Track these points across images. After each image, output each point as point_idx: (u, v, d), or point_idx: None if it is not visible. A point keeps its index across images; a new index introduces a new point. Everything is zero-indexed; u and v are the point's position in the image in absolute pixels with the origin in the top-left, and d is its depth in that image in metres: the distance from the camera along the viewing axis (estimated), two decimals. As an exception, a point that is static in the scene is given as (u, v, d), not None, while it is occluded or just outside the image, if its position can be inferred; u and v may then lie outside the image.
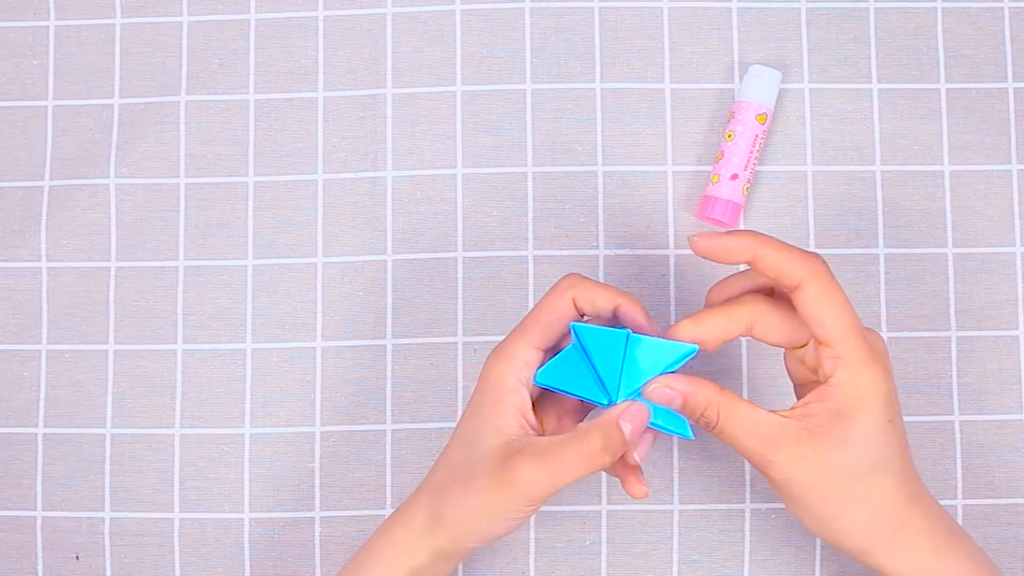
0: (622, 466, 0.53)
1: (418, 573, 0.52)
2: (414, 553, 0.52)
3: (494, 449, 0.50)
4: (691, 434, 0.51)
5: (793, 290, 0.49)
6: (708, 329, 0.51)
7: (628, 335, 0.51)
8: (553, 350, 0.53)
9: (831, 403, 0.49)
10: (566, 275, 0.53)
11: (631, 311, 0.52)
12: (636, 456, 0.52)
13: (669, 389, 0.50)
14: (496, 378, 0.51)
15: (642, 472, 0.53)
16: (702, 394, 0.50)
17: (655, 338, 0.51)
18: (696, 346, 0.50)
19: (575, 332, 0.51)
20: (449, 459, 0.53)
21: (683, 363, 0.51)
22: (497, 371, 0.52)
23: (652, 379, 0.50)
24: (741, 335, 0.51)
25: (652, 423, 0.51)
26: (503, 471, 0.50)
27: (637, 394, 0.51)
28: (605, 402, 0.51)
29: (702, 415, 0.50)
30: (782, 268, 0.49)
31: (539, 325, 0.52)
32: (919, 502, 0.51)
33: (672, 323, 0.52)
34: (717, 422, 0.49)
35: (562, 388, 0.52)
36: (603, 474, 0.63)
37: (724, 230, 0.54)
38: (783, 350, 0.54)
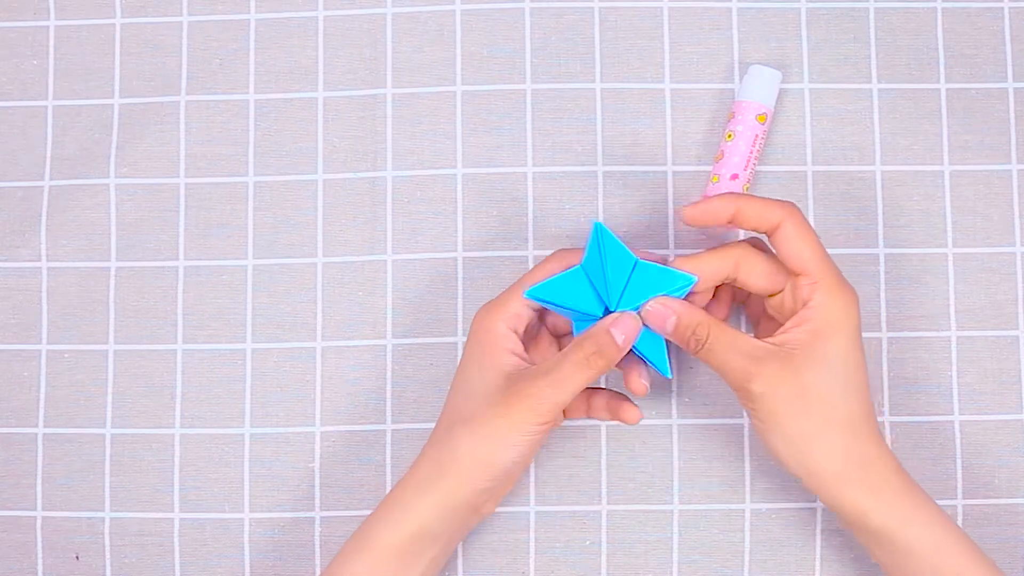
0: (626, 361, 0.56)
1: (425, 532, 0.53)
2: (419, 509, 0.53)
3: (495, 384, 0.53)
4: (669, 372, 0.55)
5: (773, 232, 0.54)
6: (702, 263, 0.54)
7: (637, 261, 0.54)
8: (540, 312, 0.57)
9: (809, 324, 0.52)
10: (558, 249, 0.57)
11: None
12: (643, 382, 0.56)
13: (664, 307, 0.53)
14: (487, 327, 0.55)
15: (646, 370, 0.56)
16: (696, 313, 0.54)
17: (658, 264, 0.54)
18: (695, 276, 0.54)
19: (598, 231, 0.54)
20: (448, 410, 0.55)
21: (684, 293, 0.54)
22: (488, 321, 0.55)
23: (649, 299, 0.54)
24: (728, 275, 0.55)
25: (636, 348, 0.54)
26: (508, 395, 0.53)
27: (620, 297, 0.54)
28: (600, 314, 0.54)
29: (694, 333, 0.53)
30: (762, 213, 0.54)
31: (532, 283, 0.55)
32: (884, 442, 0.53)
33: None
34: (707, 339, 0.53)
35: (555, 302, 0.54)
36: (603, 475, 0.63)
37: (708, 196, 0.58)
38: (754, 327, 0.58)
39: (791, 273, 0.54)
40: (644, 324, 0.54)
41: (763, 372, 0.52)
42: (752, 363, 0.52)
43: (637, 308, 0.54)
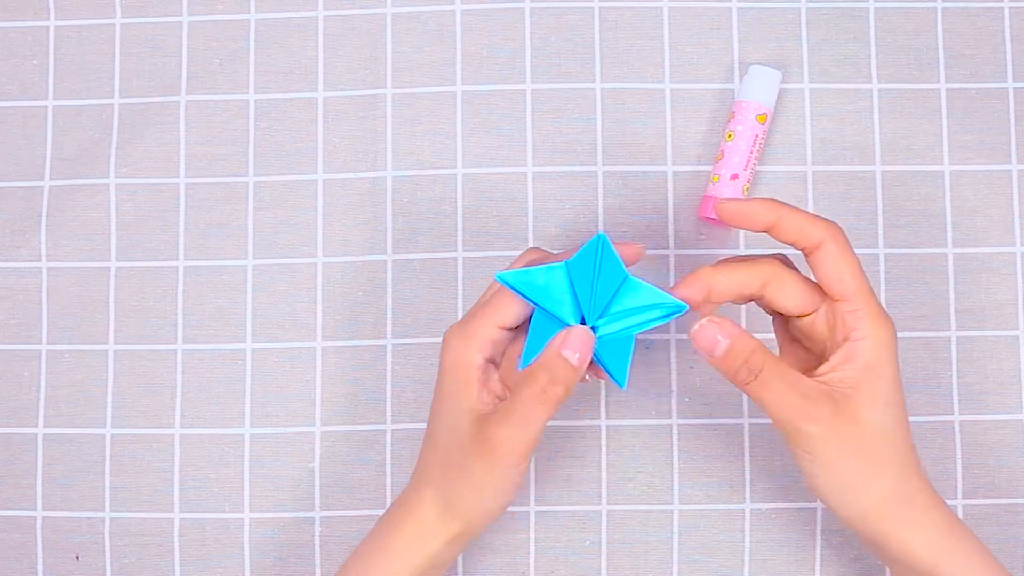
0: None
1: (435, 559, 0.53)
2: (429, 542, 0.53)
3: (467, 430, 0.51)
4: (625, 384, 0.50)
5: (812, 250, 0.50)
6: (725, 279, 0.51)
7: (627, 277, 0.50)
8: (522, 326, 0.53)
9: (859, 359, 0.49)
10: (531, 248, 0.55)
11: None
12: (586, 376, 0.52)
13: (716, 328, 0.49)
14: (463, 360, 0.51)
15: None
16: (749, 340, 0.49)
17: (648, 285, 0.50)
18: (687, 305, 0.50)
19: (599, 242, 0.50)
20: (435, 447, 0.53)
21: (668, 320, 0.50)
22: (463, 354, 0.51)
23: (698, 321, 0.49)
24: (754, 293, 0.51)
25: (595, 356, 0.50)
26: (481, 443, 0.50)
27: (602, 313, 0.50)
28: (573, 323, 0.50)
29: (746, 362, 0.49)
30: (803, 229, 0.50)
31: (506, 307, 0.52)
32: (924, 475, 0.52)
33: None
34: (760, 373, 0.49)
35: (527, 294, 0.51)
36: (603, 475, 0.63)
37: (749, 197, 0.56)
38: (776, 345, 0.55)
39: (829, 298, 0.51)
40: (637, 336, 0.51)
41: (819, 413, 0.48)
42: (810, 404, 0.48)
43: (608, 328, 0.50)
